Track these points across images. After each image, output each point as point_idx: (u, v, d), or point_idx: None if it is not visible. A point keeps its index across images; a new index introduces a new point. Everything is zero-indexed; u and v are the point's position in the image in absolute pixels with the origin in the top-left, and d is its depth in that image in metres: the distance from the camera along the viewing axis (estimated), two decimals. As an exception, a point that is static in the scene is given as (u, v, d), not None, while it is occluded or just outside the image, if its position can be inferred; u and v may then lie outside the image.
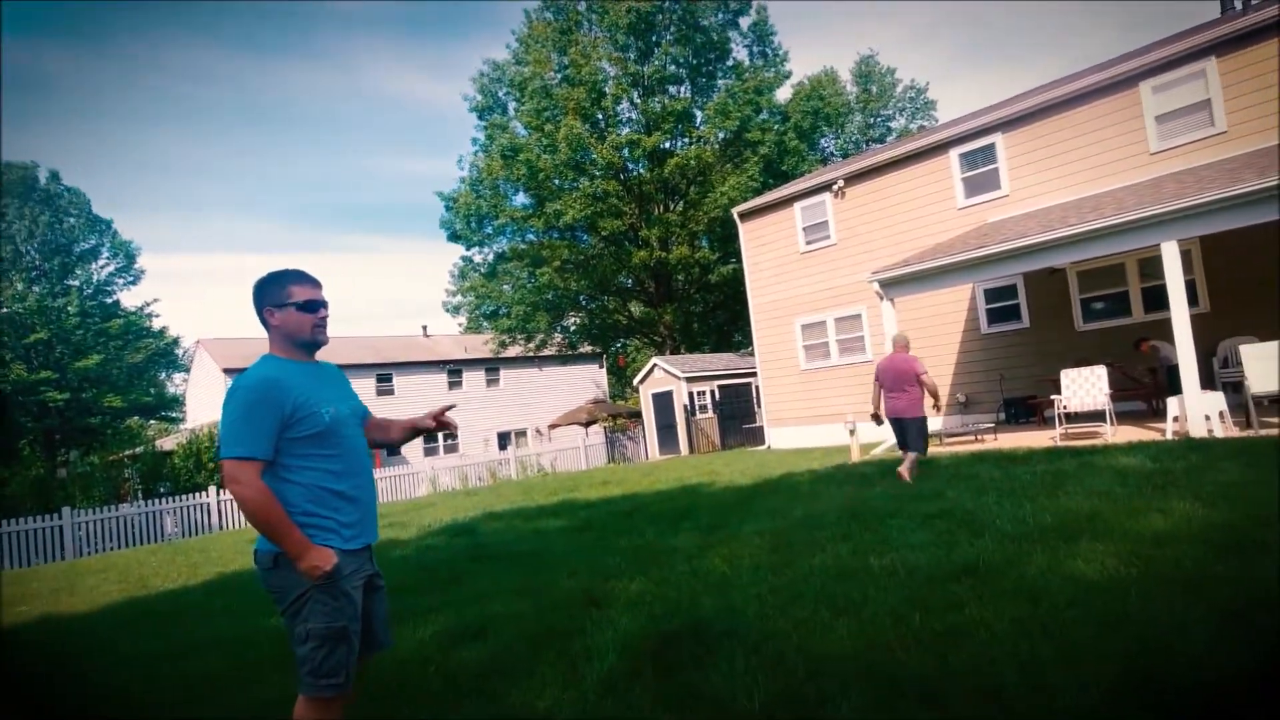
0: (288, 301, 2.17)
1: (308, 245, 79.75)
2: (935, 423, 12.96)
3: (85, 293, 36.46)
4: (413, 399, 29.51)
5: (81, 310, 34.89)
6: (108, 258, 37.89)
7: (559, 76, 24.07)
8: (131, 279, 38.54)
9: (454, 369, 30.87)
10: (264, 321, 2.21)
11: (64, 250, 36.07)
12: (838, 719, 2.35)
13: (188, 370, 34.80)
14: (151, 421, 39.11)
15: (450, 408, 2.50)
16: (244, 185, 77.35)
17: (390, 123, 78.16)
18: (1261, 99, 9.97)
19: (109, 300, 37.41)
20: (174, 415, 39.31)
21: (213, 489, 15.69)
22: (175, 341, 40.66)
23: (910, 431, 7.42)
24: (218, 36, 64.39)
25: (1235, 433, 7.51)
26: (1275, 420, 7.81)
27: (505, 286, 26.81)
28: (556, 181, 24.12)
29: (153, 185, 69.59)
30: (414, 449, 28.68)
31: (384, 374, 29.29)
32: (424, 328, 35.20)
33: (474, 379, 31.33)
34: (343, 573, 2.05)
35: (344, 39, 70.45)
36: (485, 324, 28.88)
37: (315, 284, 2.24)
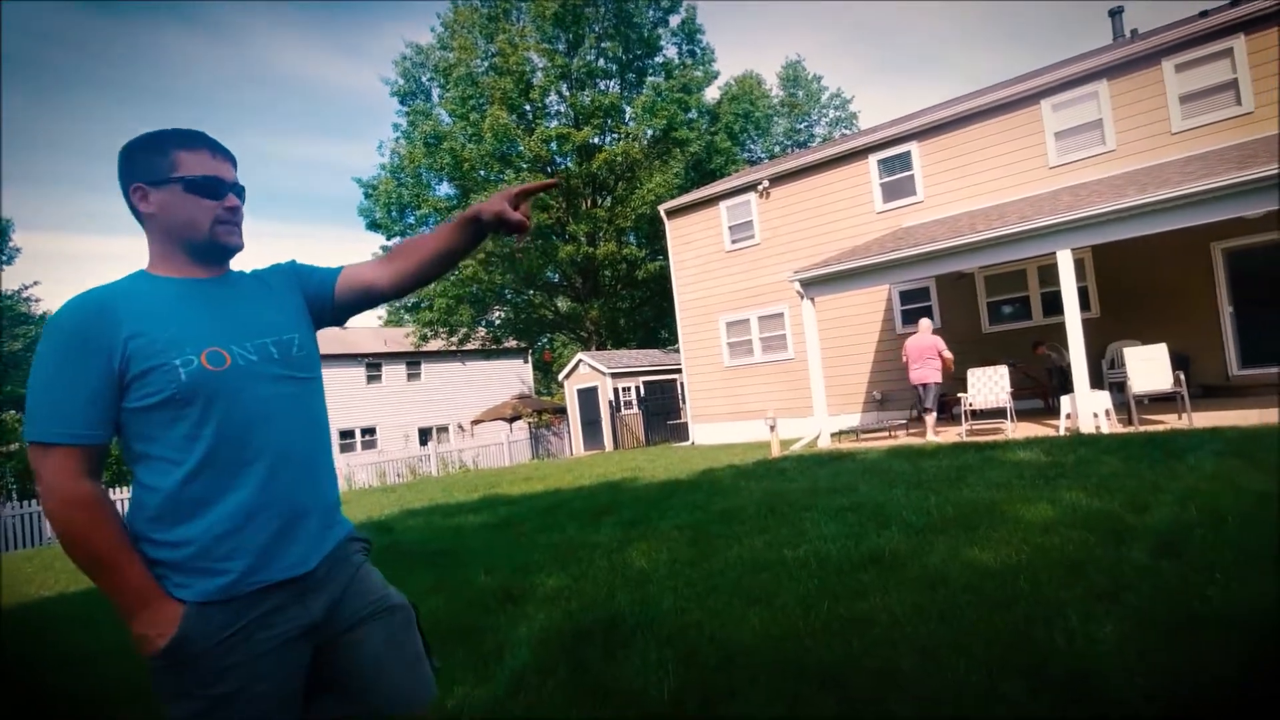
0: (170, 177, 1.34)
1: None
2: (852, 419, 13.45)
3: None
4: (330, 395, 28.24)
5: (-50, 294, 31.87)
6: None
7: (485, 64, 23.64)
8: (5, 258, 35.44)
9: (373, 363, 29.86)
10: (134, 211, 1.38)
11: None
12: (744, 709, 2.38)
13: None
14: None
15: (552, 185, 1.65)
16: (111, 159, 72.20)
17: (293, 103, 74.47)
18: (1147, 120, 10.77)
19: (-20, 283, 34.32)
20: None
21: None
22: (60, 329, 37.65)
23: (931, 393, 9.49)
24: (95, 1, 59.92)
25: (1119, 429, 8.09)
26: (1154, 417, 8.46)
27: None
28: (482, 173, 23.70)
29: (31, 161, 64.31)
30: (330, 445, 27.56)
31: (298, 367, 27.90)
32: (341, 319, 33.84)
33: (394, 373, 30.42)
34: (197, 645, 1.23)
35: (238, 12, 66.71)
36: (406, 317, 28.08)
37: (218, 152, 1.41)
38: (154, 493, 1.27)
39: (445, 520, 8.27)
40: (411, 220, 25.51)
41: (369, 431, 29.07)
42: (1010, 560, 3.56)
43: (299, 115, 74.22)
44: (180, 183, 1.35)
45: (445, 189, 25.41)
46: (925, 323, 9.94)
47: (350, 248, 79.02)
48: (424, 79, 25.86)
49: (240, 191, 1.43)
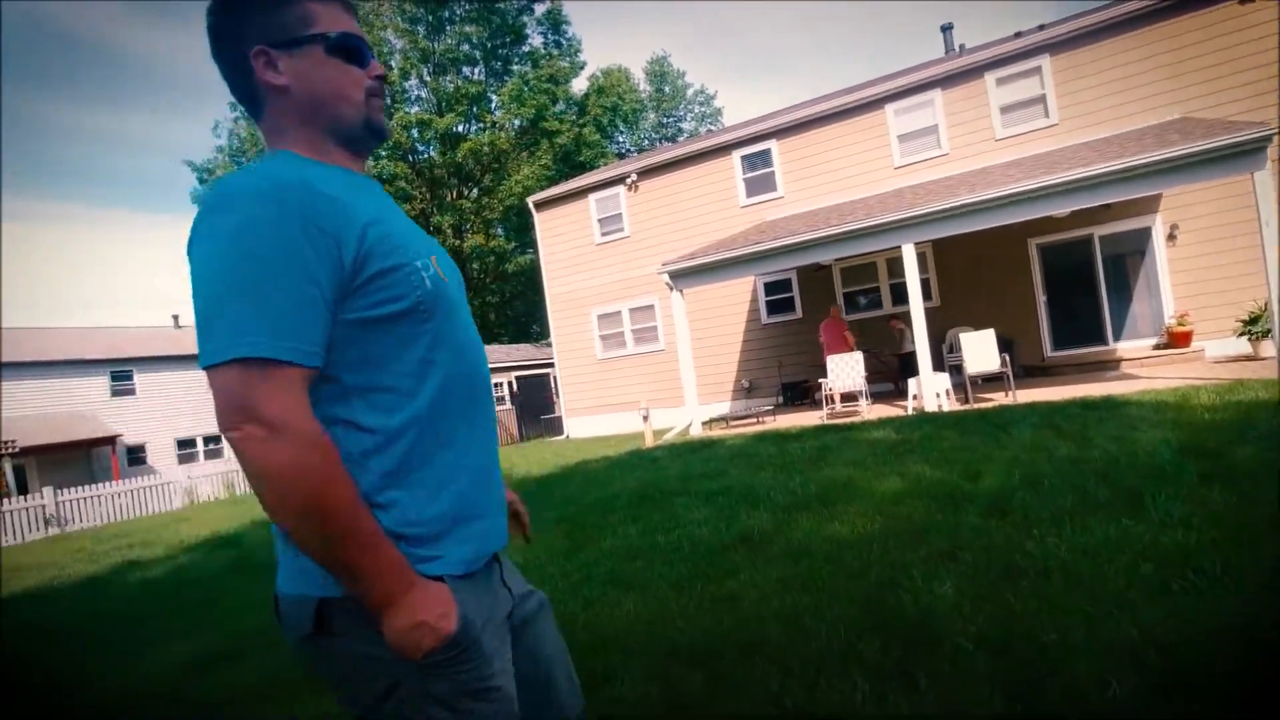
0: (305, 34, 1.01)
1: (17, 211, 65.91)
2: (723, 407, 13.91)
3: None
4: (162, 401, 25.61)
5: None
6: None
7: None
8: None
9: (218, 364, 27.22)
10: (248, 86, 1.03)
11: None
12: (618, 691, 2.38)
13: None
14: None
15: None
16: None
17: (95, 70, 65.93)
18: (975, 127, 11.89)
19: None
20: None
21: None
22: None
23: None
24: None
25: (958, 407, 8.90)
26: (986, 395, 9.38)
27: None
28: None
29: None
30: (164, 455, 25.01)
31: (121, 371, 24.88)
32: (175, 317, 30.72)
33: (243, 375, 27.94)
34: (475, 631, 0.98)
35: (66, -27, 58.68)
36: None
37: (348, 5, 1.08)
38: (376, 435, 0.95)
39: (303, 529, 7.72)
40: (258, 208, 23.59)
41: (212, 439, 26.60)
42: (865, 531, 3.81)
43: (103, 83, 66.06)
44: (320, 42, 1.01)
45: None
46: (836, 307, 11.60)
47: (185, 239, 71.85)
48: (269, 56, 23.97)
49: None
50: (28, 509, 14.01)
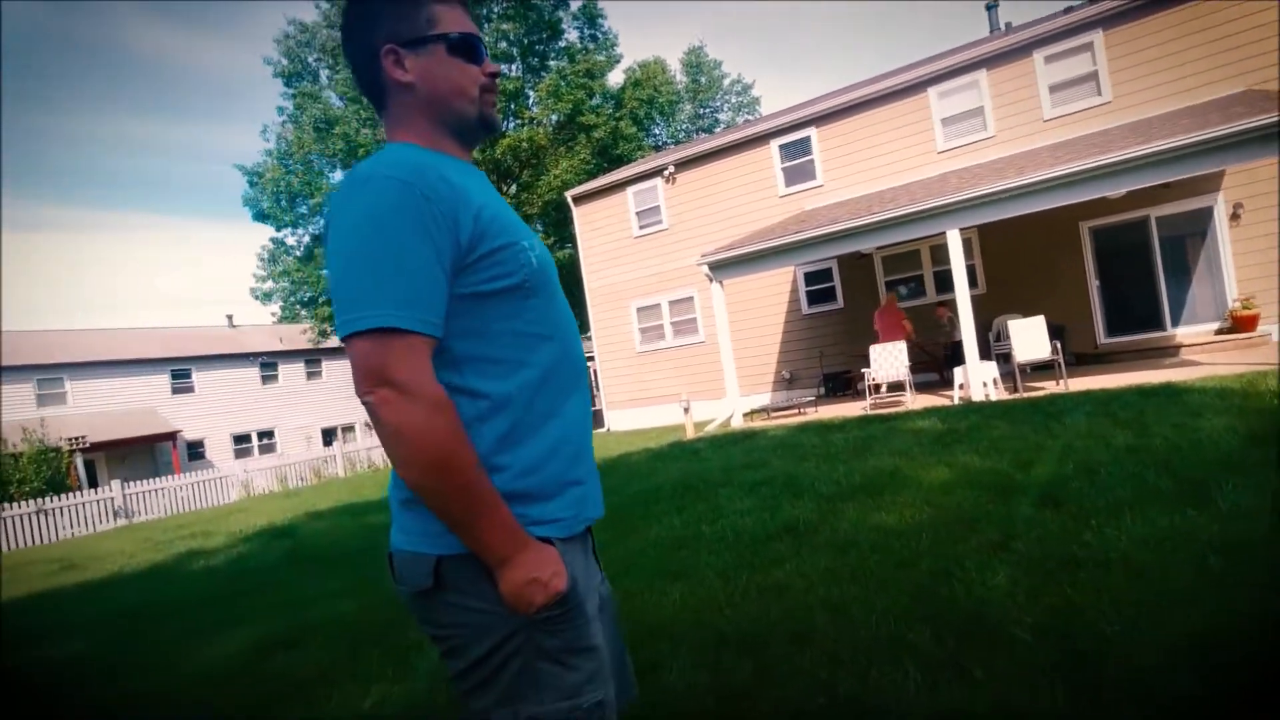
0: (430, 35, 1.09)
1: (62, 222, 68.91)
2: (763, 398, 13.83)
3: None
4: (219, 398, 26.59)
5: None
6: None
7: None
8: None
9: (268, 362, 28.20)
10: (377, 83, 1.12)
11: None
12: (667, 679, 2.40)
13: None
14: None
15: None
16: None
17: (148, 80, 68.39)
18: (1022, 108, 11.54)
19: None
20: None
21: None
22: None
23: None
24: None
25: (1006, 396, 8.69)
26: (1036, 384, 9.13)
27: (325, 271, 24.88)
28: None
29: None
30: (221, 450, 25.94)
31: (181, 369, 25.94)
32: (229, 317, 31.84)
33: (292, 372, 28.86)
34: (581, 592, 1.05)
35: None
36: (303, 313, 26.66)
37: (465, 4, 1.17)
38: (488, 401, 1.01)
39: (354, 521, 7.95)
40: (304, 210, 24.21)
41: (266, 434, 27.51)
42: (913, 521, 3.76)
43: (163, 91, 68.64)
44: (443, 42, 1.10)
45: (339, 176, 24.22)
46: (891, 294, 11.44)
47: (237, 241, 74.51)
48: (310, 59, 24.49)
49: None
50: (98, 501, 14.69)
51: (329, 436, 28.26)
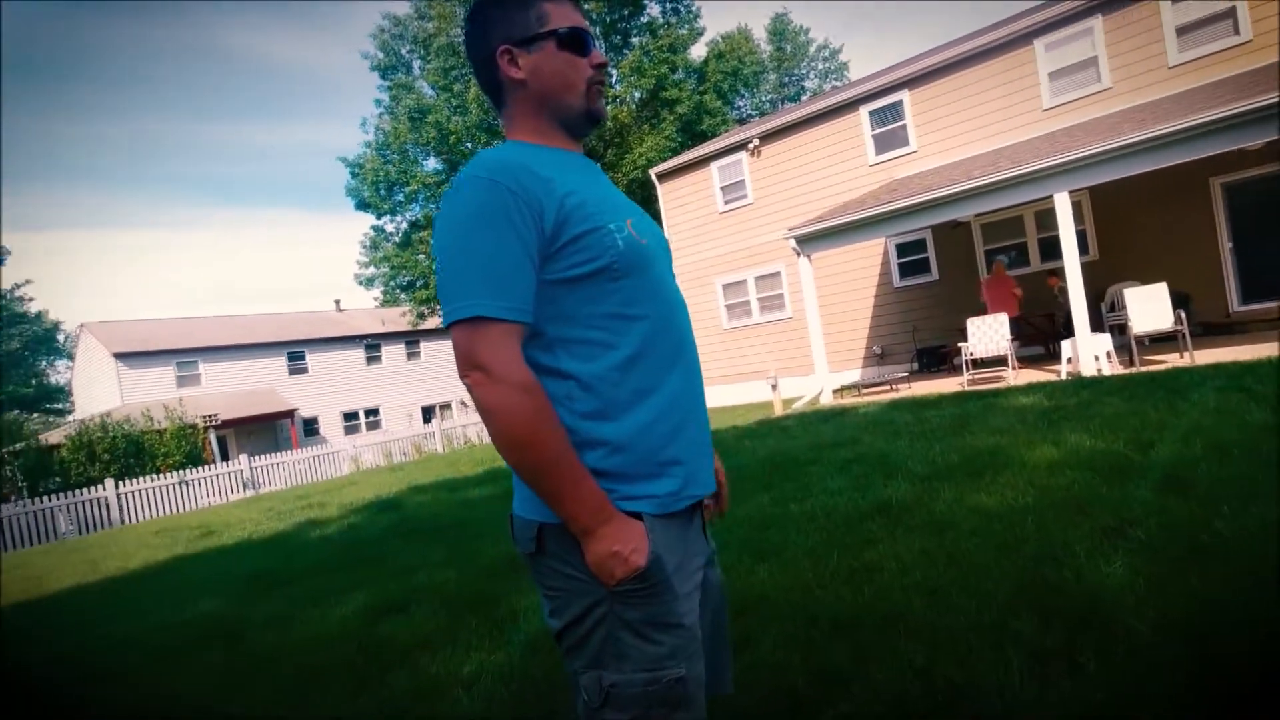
0: (541, 31, 1.14)
1: (196, 219, 74.68)
2: (853, 375, 13.45)
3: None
4: (329, 378, 28.41)
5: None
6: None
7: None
8: (-3, 259, 35.27)
9: (371, 344, 29.83)
10: (496, 83, 1.18)
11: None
12: (758, 655, 2.40)
13: (72, 358, 32.30)
14: (34, 415, 36.21)
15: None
16: (100, 154, 70.84)
17: (260, 84, 72.69)
18: (1142, 56, 10.56)
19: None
20: (60, 407, 36.51)
21: (110, 482, 14.70)
22: (56, 327, 37.62)
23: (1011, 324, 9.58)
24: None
25: (1120, 370, 8.09)
26: (1156, 357, 8.45)
27: (420, 256, 25.96)
28: (469, 145, 23.35)
29: (13, 159, 63.30)
30: (333, 426, 27.72)
31: (295, 352, 27.98)
32: (337, 302, 33.81)
33: (393, 353, 30.39)
34: (667, 568, 1.06)
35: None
36: (403, 296, 27.94)
37: (576, 1, 1.23)
38: (576, 381, 1.06)
39: (452, 495, 8.32)
40: (400, 197, 25.24)
41: (372, 412, 29.16)
42: (1016, 503, 3.58)
43: (275, 96, 72.94)
44: (552, 38, 1.15)
45: (432, 164, 25.09)
46: (999, 261, 10.84)
47: (342, 230, 78.51)
48: (404, 51, 25.34)
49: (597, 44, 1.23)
50: (229, 473, 16.11)
51: (428, 414, 29.66)
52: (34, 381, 36.20)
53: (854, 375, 13.51)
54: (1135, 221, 10.59)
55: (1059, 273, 10.28)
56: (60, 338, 37.26)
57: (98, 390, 26.15)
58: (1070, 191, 8.39)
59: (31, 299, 36.71)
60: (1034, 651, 2.09)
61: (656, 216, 21.10)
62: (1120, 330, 9.08)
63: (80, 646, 4.31)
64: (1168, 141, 7.61)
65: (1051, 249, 10.94)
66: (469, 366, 1.00)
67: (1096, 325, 9.24)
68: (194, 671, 3.43)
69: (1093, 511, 3.22)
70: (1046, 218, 10.81)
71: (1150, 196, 10.16)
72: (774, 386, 10.61)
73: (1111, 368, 8.21)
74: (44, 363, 38.05)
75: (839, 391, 11.66)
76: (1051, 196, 8.48)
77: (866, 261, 13.54)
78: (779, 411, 10.35)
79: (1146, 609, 2.23)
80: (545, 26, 1.14)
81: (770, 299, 15.08)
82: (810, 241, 10.67)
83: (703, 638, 1.15)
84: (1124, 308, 8.48)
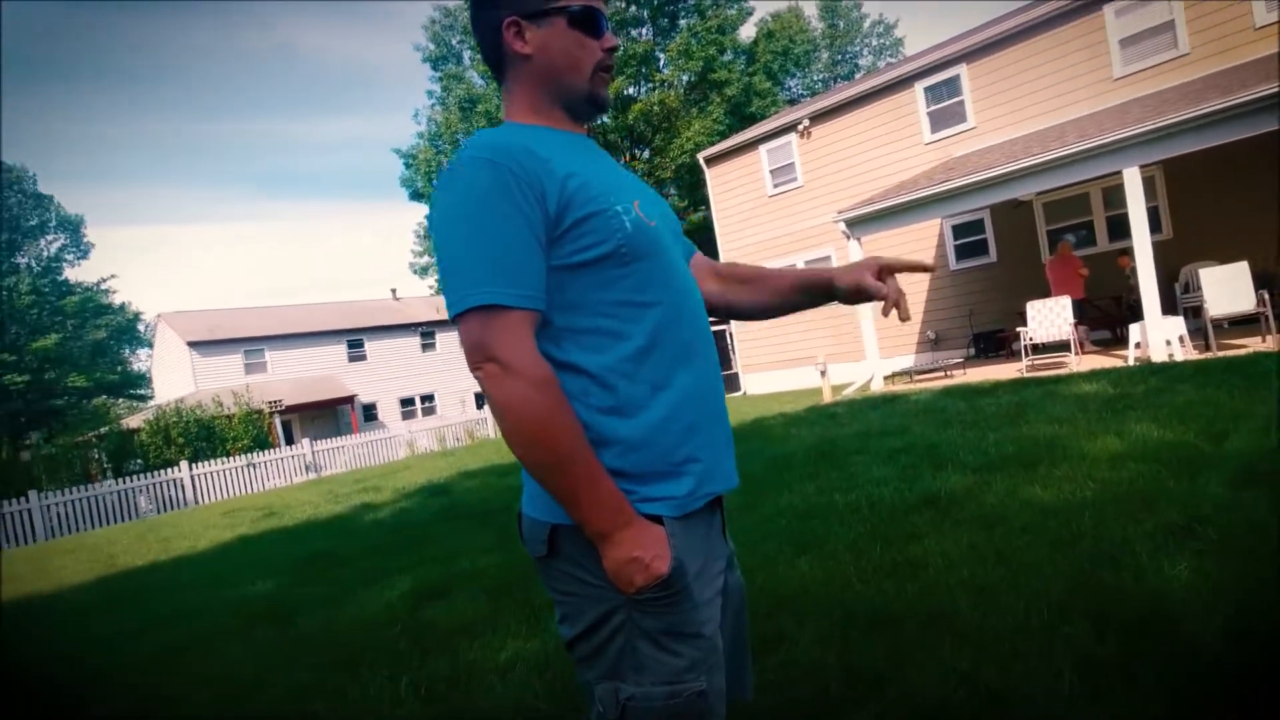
0: (552, 6, 1.08)
1: (260, 213, 77.53)
2: (906, 360, 13.09)
3: (35, 270, 35.29)
4: (386, 364, 29.23)
5: (34, 288, 33.79)
6: (55, 233, 36.63)
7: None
8: (81, 252, 37.35)
9: (427, 331, 30.53)
10: (500, 56, 1.12)
11: (8, 226, 34.71)
12: (792, 654, 2.34)
13: (151, 346, 34.05)
14: (119, 400, 38.37)
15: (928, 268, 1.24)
16: (173, 153, 73.96)
17: (319, 80, 74.66)
18: (1226, 16, 9.85)
19: (59, 277, 36.32)
20: (142, 393, 38.60)
21: (184, 464, 15.46)
22: (137, 317, 39.72)
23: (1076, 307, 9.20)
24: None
25: (1195, 355, 7.63)
26: (1235, 342, 7.94)
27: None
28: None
29: (84, 156, 66.79)
30: (390, 412, 28.52)
31: (355, 339, 28.90)
32: (393, 291, 34.63)
33: (448, 340, 31.01)
34: (688, 575, 0.99)
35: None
36: (455, 284, 28.41)
37: None
38: (590, 374, 1.00)
39: (501, 480, 8.44)
40: (452, 187, 25.61)
41: (428, 398, 29.88)
42: (1073, 497, 3.40)
43: (333, 93, 74.91)
44: (564, 15, 1.08)
45: (483, 153, 25.34)
46: (1065, 242, 10.30)
47: (397, 221, 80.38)
48: (454, 41, 25.62)
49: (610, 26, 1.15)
50: (293, 457, 16.80)
51: (481, 400, 30.22)
52: (119, 369, 38.36)
53: (907, 361, 13.14)
54: (1213, 197, 9.94)
55: (1130, 252, 9.74)
56: (141, 327, 39.37)
57: (174, 377, 27.52)
58: (1141, 166, 7.92)
59: (115, 291, 38.80)
60: (1085, 659, 1.97)
61: (704, 202, 20.88)
62: (1195, 313, 8.56)
63: (131, 625, 4.52)
64: (1251, 109, 7.08)
65: (1120, 228, 10.37)
66: (481, 358, 0.94)
67: (1170, 308, 8.73)
68: (239, 651, 3.56)
69: (1158, 508, 3.03)
70: (1115, 195, 10.25)
71: (1230, 170, 9.51)
72: (823, 372, 10.40)
73: (1184, 353, 7.75)
74: (128, 351, 40.34)
75: (890, 378, 11.35)
76: (1120, 172, 8.01)
77: (922, 244, 13.12)
78: (828, 398, 10.14)
79: (1213, 616, 2.07)
80: (557, 1, 1.07)
81: (820, 283, 14.74)
82: (860, 224, 10.38)
83: (723, 644, 1.09)
84: (1199, 289, 7.98)
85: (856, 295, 1.21)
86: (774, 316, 1.34)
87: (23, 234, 35.34)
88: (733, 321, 16.56)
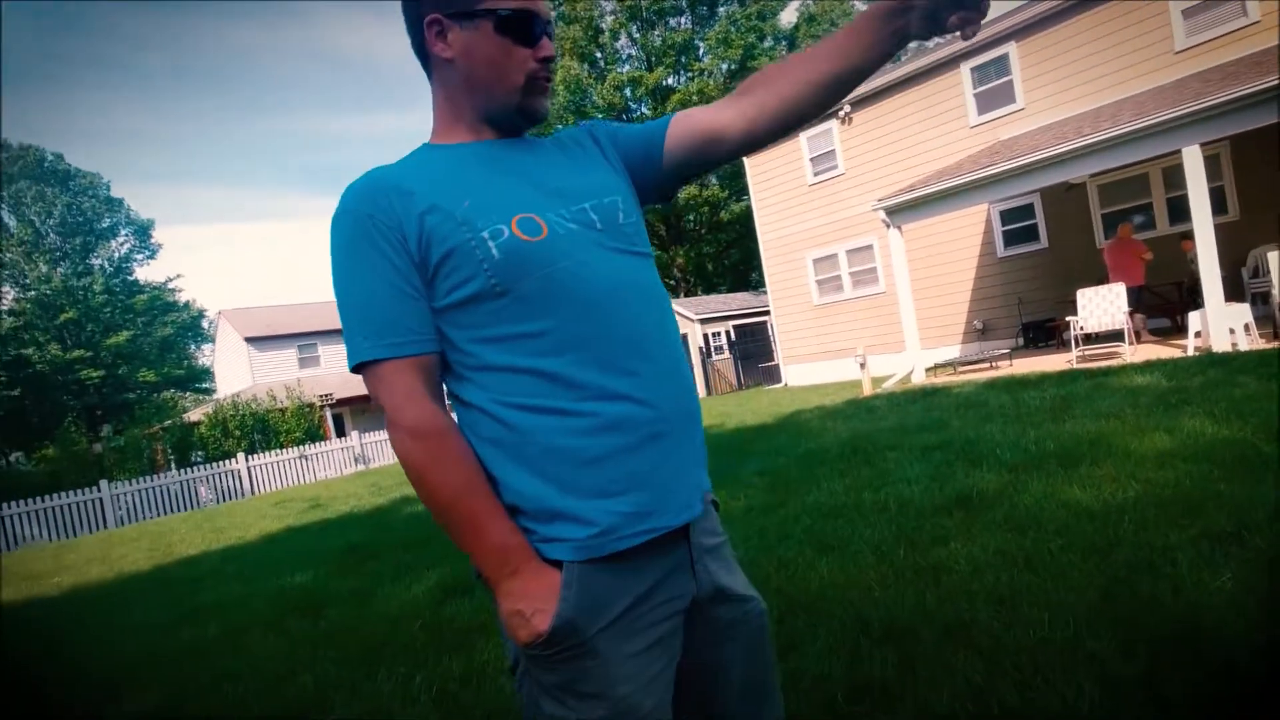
0: (478, 8, 0.98)
1: (314, 210, 79.82)
2: (952, 351, 12.71)
3: (107, 270, 37.12)
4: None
5: (106, 288, 35.54)
6: (126, 234, 38.45)
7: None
8: (149, 253, 39.11)
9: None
10: (422, 54, 1.05)
11: (83, 230, 36.53)
12: (798, 664, 2.27)
13: (213, 342, 35.46)
14: (186, 394, 40.14)
15: None
16: (229, 153, 76.40)
17: (360, 80, 76.10)
18: (1297, -17, 9.21)
19: (130, 277, 38.14)
20: (206, 387, 40.30)
21: (241, 456, 16.06)
22: (200, 314, 41.46)
23: (1132, 294, 8.87)
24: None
25: (1261, 345, 7.19)
26: (1305, 329, 7.46)
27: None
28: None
29: (148, 158, 69.64)
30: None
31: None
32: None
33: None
34: (584, 631, 0.91)
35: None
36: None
37: None
38: (483, 412, 0.94)
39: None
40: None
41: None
42: (1114, 499, 3.22)
43: (369, 89, 76.45)
44: (491, 18, 0.98)
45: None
46: (1125, 226, 9.72)
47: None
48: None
49: (551, 33, 1.05)
50: (343, 449, 17.33)
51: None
52: (185, 364, 40.18)
53: (953, 352, 12.75)
54: (1286, 175, 9.33)
55: (1191, 235, 9.23)
56: (204, 324, 41.13)
57: (234, 371, 28.57)
58: (1203, 144, 7.47)
59: (180, 290, 40.61)
60: (1109, 677, 1.86)
61: (744, 191, 20.62)
62: (1264, 299, 8.07)
63: (174, 615, 4.69)
64: (1325, 81, 6.61)
65: (1182, 209, 9.83)
66: (382, 412, 0.94)
67: (1236, 294, 8.25)
68: (270, 644, 3.66)
69: (1205, 512, 2.84)
70: (1175, 174, 9.70)
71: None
72: (862, 365, 10.16)
73: (1250, 342, 7.30)
74: (193, 347, 42.23)
75: (932, 370, 11.03)
76: (1179, 151, 7.57)
77: (968, 230, 12.68)
78: (867, 391, 9.91)
79: (1256, 636, 1.93)
80: (485, 2, 0.97)
81: (863, 273, 14.43)
82: (901, 212, 10.08)
83: (734, 684, 1.02)
84: (1269, 273, 7.51)
85: (933, 23, 0.96)
86: (834, 94, 1.06)
87: (96, 236, 37.17)
88: (773, 315, 16.34)
